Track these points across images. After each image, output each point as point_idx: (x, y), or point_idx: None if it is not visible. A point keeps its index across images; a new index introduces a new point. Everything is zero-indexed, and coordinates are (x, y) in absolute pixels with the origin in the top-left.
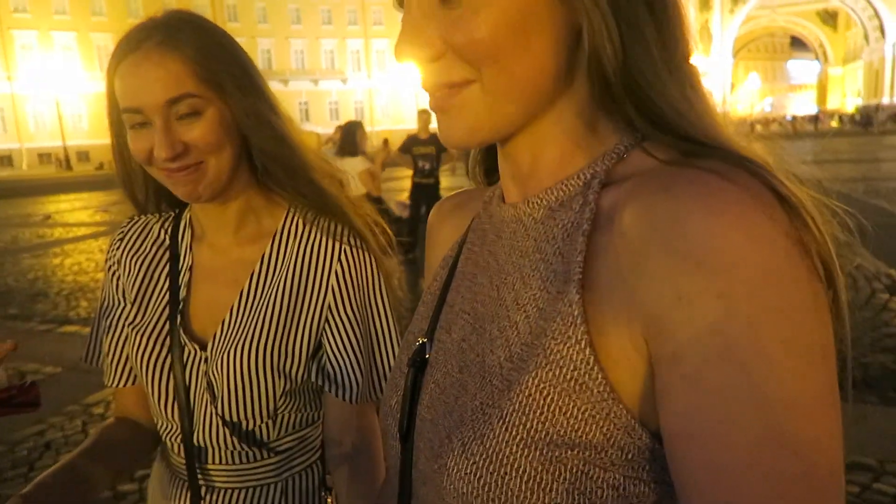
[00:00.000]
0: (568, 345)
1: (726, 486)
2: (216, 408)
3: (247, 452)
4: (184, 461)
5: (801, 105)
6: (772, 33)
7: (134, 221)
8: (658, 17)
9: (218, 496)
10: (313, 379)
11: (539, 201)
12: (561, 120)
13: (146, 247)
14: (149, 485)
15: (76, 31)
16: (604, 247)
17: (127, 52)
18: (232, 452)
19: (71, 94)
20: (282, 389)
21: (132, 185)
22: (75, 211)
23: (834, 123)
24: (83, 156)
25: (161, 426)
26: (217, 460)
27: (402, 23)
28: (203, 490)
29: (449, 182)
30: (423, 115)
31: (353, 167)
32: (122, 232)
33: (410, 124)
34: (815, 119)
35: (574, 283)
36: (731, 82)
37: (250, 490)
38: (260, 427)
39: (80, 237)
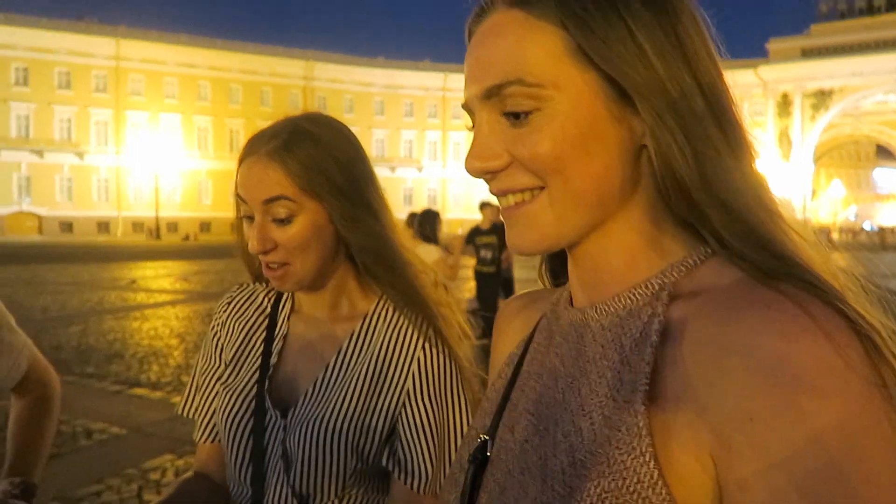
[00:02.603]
0: (632, 456)
1: None
2: (288, 477)
3: None
4: None
5: (889, 215)
6: (856, 141)
7: (242, 288)
8: (726, 130)
9: None
10: (384, 463)
11: (607, 308)
12: (626, 229)
13: (249, 313)
14: None
15: (182, 113)
16: (671, 360)
17: (249, 152)
18: None
19: (169, 169)
20: (353, 468)
21: (247, 255)
22: (158, 278)
23: None
24: (172, 227)
25: (233, 489)
26: None
27: (473, 140)
28: None
29: (519, 273)
30: (486, 208)
31: (428, 255)
32: (231, 297)
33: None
34: None
35: (640, 393)
36: (811, 189)
37: None
38: None
39: (160, 303)
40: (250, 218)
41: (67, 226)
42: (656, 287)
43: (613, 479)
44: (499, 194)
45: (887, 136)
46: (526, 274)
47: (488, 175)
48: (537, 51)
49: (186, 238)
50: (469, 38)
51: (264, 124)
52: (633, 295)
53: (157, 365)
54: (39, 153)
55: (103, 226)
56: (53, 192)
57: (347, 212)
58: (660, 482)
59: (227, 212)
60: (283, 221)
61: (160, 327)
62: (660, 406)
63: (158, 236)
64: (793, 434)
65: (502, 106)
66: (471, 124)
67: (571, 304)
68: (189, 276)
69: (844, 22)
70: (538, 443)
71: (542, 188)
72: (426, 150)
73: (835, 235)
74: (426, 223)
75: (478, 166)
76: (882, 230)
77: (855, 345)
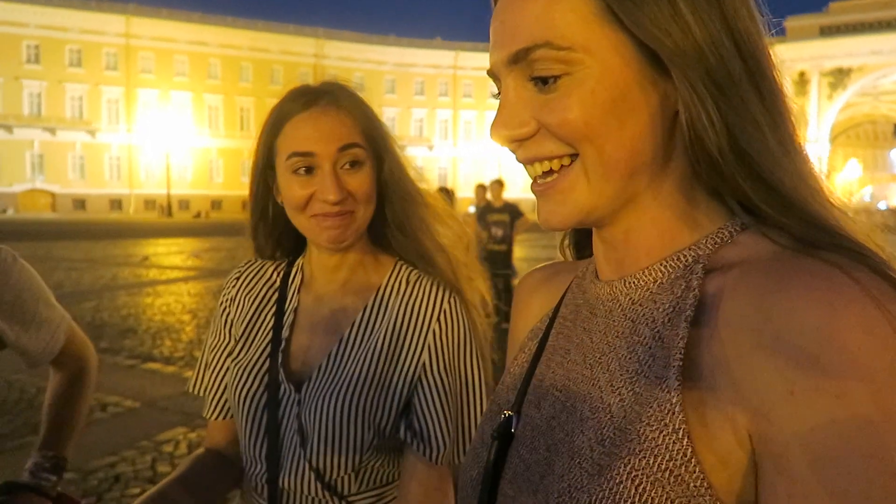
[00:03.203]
0: (664, 433)
1: None
2: (304, 451)
3: (328, 501)
4: (266, 502)
5: None
6: (873, 121)
7: (251, 263)
8: (765, 96)
9: None
10: (400, 435)
11: (637, 282)
12: (658, 199)
13: (258, 287)
14: None
15: (192, 91)
16: (707, 334)
17: (302, 107)
18: (314, 499)
19: (180, 147)
20: (370, 441)
21: (258, 228)
22: (170, 254)
23: None
24: (184, 204)
25: (248, 465)
26: None
27: (499, 107)
28: None
29: (524, 252)
30: (496, 185)
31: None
32: (239, 272)
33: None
34: None
35: (674, 369)
36: (827, 169)
37: None
38: (344, 478)
39: (172, 279)
40: (308, 169)
41: (80, 203)
42: (689, 259)
43: (644, 457)
44: (526, 163)
45: None
46: (530, 252)
47: (515, 143)
48: (566, 13)
49: (198, 215)
50: (494, 3)
51: (274, 102)
52: (665, 268)
53: (170, 340)
54: (52, 131)
55: (115, 203)
56: (66, 169)
57: (396, 163)
58: (693, 459)
59: (238, 190)
60: (355, 169)
61: (172, 303)
62: (694, 382)
63: (170, 214)
64: (835, 410)
65: (530, 71)
66: (497, 92)
67: (597, 277)
68: (200, 253)
69: (863, 0)
70: (565, 419)
71: (571, 156)
72: (437, 128)
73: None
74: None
75: (504, 134)
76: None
77: None
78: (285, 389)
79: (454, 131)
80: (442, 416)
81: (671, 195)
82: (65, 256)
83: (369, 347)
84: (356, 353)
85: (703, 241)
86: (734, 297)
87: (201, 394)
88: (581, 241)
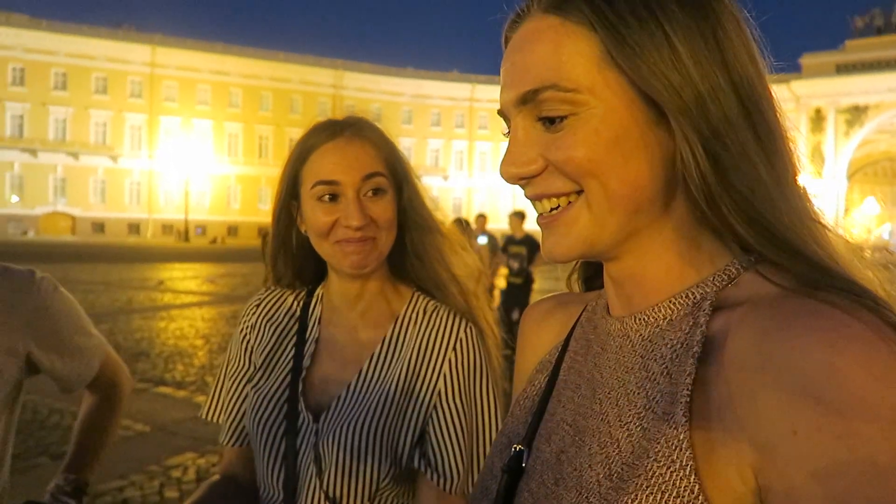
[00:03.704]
0: (672, 469)
1: None
2: (321, 481)
3: None
4: None
5: None
6: (891, 158)
7: (270, 291)
8: (763, 138)
9: None
10: (415, 464)
11: (646, 318)
12: (663, 237)
13: (279, 315)
14: None
15: (213, 119)
16: (713, 372)
17: (328, 137)
18: None
19: (200, 174)
20: (386, 471)
21: (278, 256)
22: (186, 279)
23: None
24: (201, 229)
25: (264, 492)
26: None
27: (508, 146)
28: None
29: (538, 284)
30: (516, 217)
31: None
32: (259, 299)
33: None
34: None
35: (681, 405)
36: (845, 206)
37: None
38: None
39: (186, 304)
40: (332, 197)
41: (99, 226)
42: (697, 297)
43: (652, 494)
44: (534, 199)
45: None
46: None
47: (523, 181)
48: (572, 56)
49: (214, 241)
50: (505, 45)
51: (293, 131)
52: (674, 305)
53: (182, 364)
54: (75, 155)
55: (134, 227)
56: (87, 193)
57: (415, 193)
58: (700, 496)
59: (255, 216)
60: (378, 196)
61: (186, 328)
62: (701, 418)
63: (187, 239)
64: (839, 450)
65: (538, 111)
66: (506, 130)
67: (608, 312)
68: (215, 279)
69: (880, 38)
70: (574, 454)
71: (577, 193)
72: (452, 159)
73: (867, 254)
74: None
75: (513, 172)
76: None
77: None
78: (304, 418)
79: (469, 162)
80: (456, 446)
81: (675, 233)
82: (82, 279)
83: (388, 378)
84: (375, 384)
85: (711, 279)
86: (739, 335)
87: (216, 420)
88: (591, 276)
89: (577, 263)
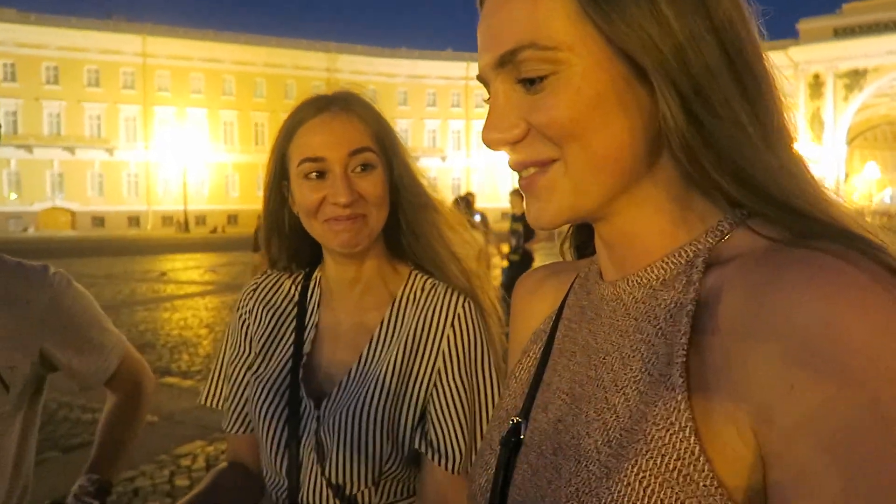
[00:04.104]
0: (671, 432)
1: None
2: (322, 467)
3: None
4: None
5: None
6: (892, 122)
7: (267, 276)
8: (748, 88)
9: None
10: (416, 445)
11: (639, 280)
12: (650, 198)
13: (277, 300)
14: None
15: (208, 107)
16: (708, 329)
17: (314, 113)
18: None
19: (197, 163)
20: (388, 455)
21: (271, 240)
22: (188, 270)
23: None
24: (200, 220)
25: (269, 478)
26: None
27: (489, 111)
28: None
29: (543, 261)
30: (516, 195)
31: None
32: (256, 284)
33: (504, 202)
34: None
35: (677, 366)
36: (845, 172)
37: None
38: (363, 492)
39: (189, 294)
40: (319, 174)
41: (99, 220)
42: (690, 255)
43: (652, 458)
44: (518, 167)
45: None
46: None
47: (507, 146)
48: (549, 13)
49: (214, 231)
50: (480, 6)
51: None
52: (666, 264)
53: (188, 354)
54: (71, 150)
55: (133, 220)
56: (85, 187)
57: (406, 167)
58: (702, 458)
59: (254, 204)
60: (366, 172)
61: (190, 318)
62: (698, 379)
63: (187, 229)
64: (840, 401)
65: (517, 73)
66: (487, 96)
67: (601, 277)
68: (217, 268)
69: (877, 0)
70: (571, 422)
71: (559, 159)
72: (450, 139)
73: (868, 219)
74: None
75: (495, 137)
76: None
77: None
78: (306, 405)
79: (467, 142)
80: (457, 425)
81: (663, 192)
82: (84, 273)
83: (388, 360)
84: (375, 368)
85: (703, 236)
86: (731, 292)
87: (216, 406)
88: (582, 243)
89: (568, 230)
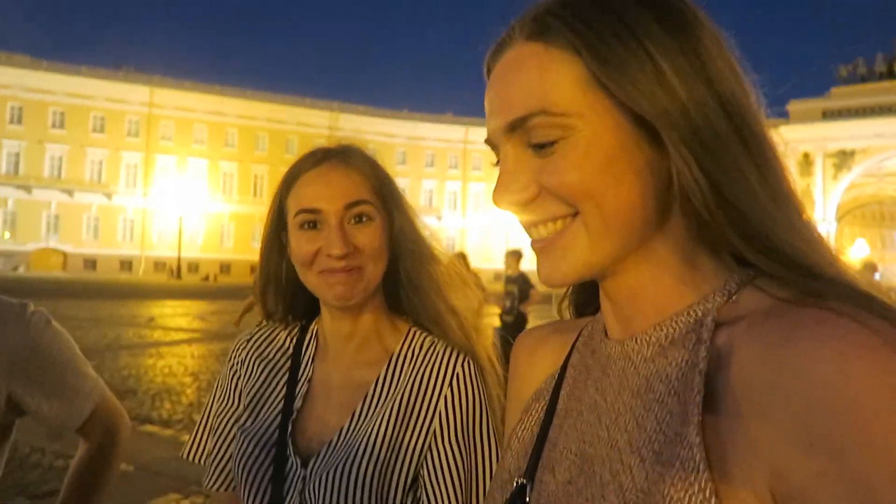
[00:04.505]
0: (690, 492)
1: None
2: None
3: None
4: None
5: None
6: (880, 201)
7: (262, 327)
8: (753, 151)
9: None
10: None
11: (647, 338)
12: (659, 256)
13: (270, 352)
14: None
15: (209, 158)
16: (721, 389)
17: (312, 165)
18: None
19: (194, 212)
20: None
21: (267, 291)
22: (176, 316)
23: None
24: (193, 267)
25: None
26: None
27: (500, 174)
28: None
29: (535, 322)
30: (512, 256)
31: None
32: (250, 334)
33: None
34: None
35: (694, 425)
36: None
37: None
38: None
39: (176, 341)
40: (315, 225)
41: (91, 263)
42: (699, 314)
43: None
44: (529, 226)
45: None
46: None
47: (518, 207)
48: (558, 81)
49: (206, 278)
50: (488, 74)
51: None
52: (675, 323)
53: (170, 402)
54: (70, 192)
55: (126, 264)
56: (80, 230)
57: (408, 221)
58: None
59: (248, 254)
60: (363, 224)
61: (175, 365)
62: (714, 438)
63: (179, 276)
64: (860, 460)
65: (527, 138)
66: (495, 160)
67: (606, 336)
68: (206, 316)
69: (865, 85)
70: (583, 484)
71: (572, 216)
72: (446, 199)
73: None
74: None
75: (507, 199)
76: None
77: None
78: (292, 464)
79: (463, 203)
80: (452, 489)
81: (671, 252)
82: (70, 315)
83: (381, 419)
84: (368, 427)
85: (711, 295)
86: (744, 351)
87: (198, 461)
88: (581, 303)
89: (568, 289)
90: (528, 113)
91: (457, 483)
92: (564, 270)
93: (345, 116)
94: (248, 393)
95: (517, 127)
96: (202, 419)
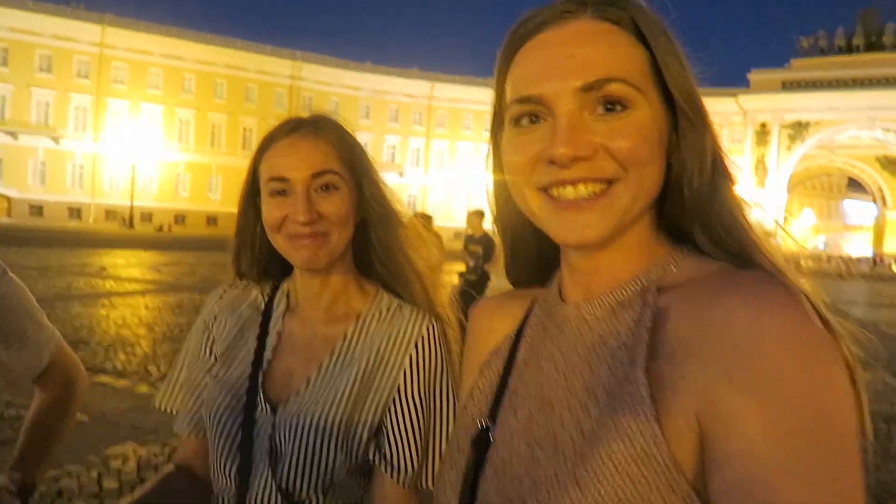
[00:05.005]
0: (637, 420)
1: None
2: (274, 471)
3: None
4: None
5: (857, 246)
6: (829, 173)
7: (236, 284)
8: (716, 141)
9: None
10: (370, 457)
11: (602, 302)
12: (639, 229)
13: (243, 308)
14: None
15: (164, 104)
16: (662, 340)
17: (283, 135)
18: None
19: (147, 160)
20: (341, 464)
21: (241, 253)
22: (129, 266)
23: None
24: (146, 217)
25: (217, 482)
26: None
27: (561, 128)
28: None
29: (498, 283)
30: (475, 216)
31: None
32: (224, 290)
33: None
34: (872, 261)
35: (640, 367)
36: (784, 217)
37: None
38: (311, 498)
39: (129, 292)
40: (283, 193)
41: (38, 209)
42: (645, 283)
43: (621, 440)
44: (572, 182)
45: (858, 169)
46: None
47: (570, 161)
48: (630, 60)
49: (160, 229)
50: (530, 37)
51: (248, 120)
52: (626, 290)
53: (124, 353)
54: (13, 135)
55: (75, 211)
56: (26, 174)
57: (377, 189)
58: (662, 440)
59: (204, 205)
60: (329, 193)
61: (128, 316)
62: (656, 377)
63: (132, 225)
64: (765, 387)
65: (602, 99)
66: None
67: (562, 300)
68: (161, 267)
69: (824, 58)
70: (544, 420)
71: (611, 182)
72: (409, 156)
73: (802, 262)
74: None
75: (570, 153)
76: (850, 259)
77: (817, 320)
78: (262, 410)
79: (426, 159)
80: (412, 440)
81: (644, 227)
82: (17, 263)
83: (347, 373)
84: (334, 379)
85: (656, 266)
86: (682, 308)
87: (171, 410)
88: (522, 270)
89: (506, 252)
90: (611, 77)
91: (416, 434)
92: (605, 225)
93: (308, 66)
94: (221, 345)
95: (594, 88)
96: (175, 371)
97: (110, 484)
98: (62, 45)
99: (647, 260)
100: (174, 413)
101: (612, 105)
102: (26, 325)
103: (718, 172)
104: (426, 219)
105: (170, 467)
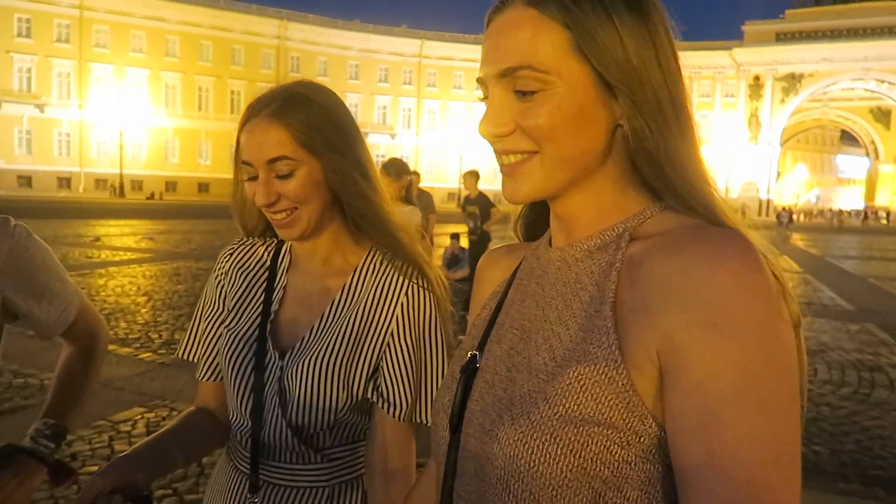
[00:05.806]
0: (602, 347)
1: (717, 471)
2: (284, 410)
3: (304, 454)
4: (249, 455)
5: (849, 199)
6: (822, 126)
7: (243, 241)
8: (680, 118)
9: (273, 492)
10: (369, 395)
11: (580, 245)
12: (597, 187)
13: (250, 264)
14: (210, 479)
15: (149, 69)
16: (631, 282)
17: (249, 117)
18: (292, 453)
19: (135, 126)
20: (343, 402)
21: (244, 213)
22: (123, 236)
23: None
24: (137, 185)
25: (234, 421)
26: (278, 458)
27: (486, 110)
28: (260, 483)
29: (497, 242)
30: (470, 176)
31: (412, 215)
32: (233, 248)
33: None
34: (864, 215)
35: (608, 303)
36: (777, 171)
37: (302, 490)
38: (319, 433)
39: (126, 261)
40: (254, 178)
41: (26, 180)
42: (620, 230)
43: (587, 364)
44: (502, 153)
45: (852, 122)
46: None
47: (496, 138)
48: (546, 44)
49: (151, 196)
50: (487, 26)
51: (235, 83)
52: (602, 236)
53: (125, 322)
54: None
55: (64, 181)
56: (12, 144)
57: (340, 166)
58: (622, 365)
59: (195, 171)
60: (286, 177)
61: (127, 285)
62: (622, 314)
63: (122, 194)
64: (718, 326)
65: (514, 84)
66: (481, 95)
67: (550, 245)
68: (155, 235)
69: (818, 8)
70: (522, 348)
71: (534, 152)
72: (400, 116)
73: (796, 216)
74: (392, 169)
75: (491, 130)
76: (841, 213)
77: (769, 275)
78: (271, 356)
79: (417, 120)
80: (405, 379)
81: (609, 183)
82: None
83: (346, 321)
84: (335, 327)
85: (631, 218)
86: (650, 257)
87: (191, 358)
88: (530, 223)
89: (521, 211)
90: (518, 65)
91: (409, 373)
92: (524, 191)
93: (294, 26)
94: (232, 299)
95: (507, 75)
96: (193, 323)
97: (122, 447)
98: (41, 9)
99: (624, 213)
100: (195, 360)
101: (523, 90)
102: (54, 281)
103: (672, 133)
104: (416, 176)
105: (191, 408)
